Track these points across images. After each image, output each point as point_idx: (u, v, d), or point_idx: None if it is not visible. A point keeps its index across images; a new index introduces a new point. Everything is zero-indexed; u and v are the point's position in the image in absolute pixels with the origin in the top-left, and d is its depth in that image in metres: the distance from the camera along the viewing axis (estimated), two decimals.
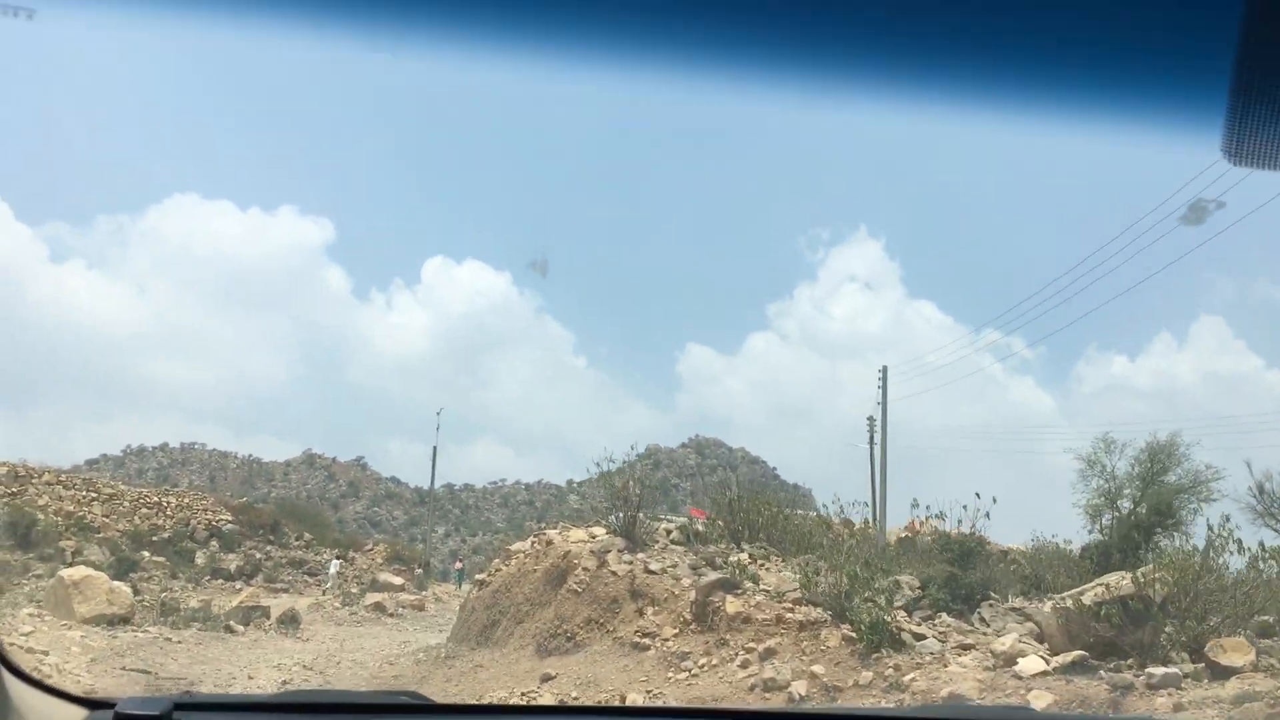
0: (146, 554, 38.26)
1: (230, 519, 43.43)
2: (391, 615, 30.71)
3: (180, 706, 1.96)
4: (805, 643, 14.56)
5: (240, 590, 36.57)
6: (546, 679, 15.01)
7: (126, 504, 41.46)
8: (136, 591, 32.94)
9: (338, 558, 42.89)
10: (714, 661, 14.66)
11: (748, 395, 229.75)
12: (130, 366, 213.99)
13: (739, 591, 16.54)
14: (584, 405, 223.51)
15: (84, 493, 40.49)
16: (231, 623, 21.17)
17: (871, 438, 47.76)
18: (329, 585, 36.22)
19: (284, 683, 15.54)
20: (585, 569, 17.44)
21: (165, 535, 40.56)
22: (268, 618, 26.03)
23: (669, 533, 21.52)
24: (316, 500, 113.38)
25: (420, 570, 42.32)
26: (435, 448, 59.30)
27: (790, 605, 15.86)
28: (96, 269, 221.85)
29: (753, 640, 15.03)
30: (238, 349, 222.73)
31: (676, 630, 15.89)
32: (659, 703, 10.85)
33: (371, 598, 31.96)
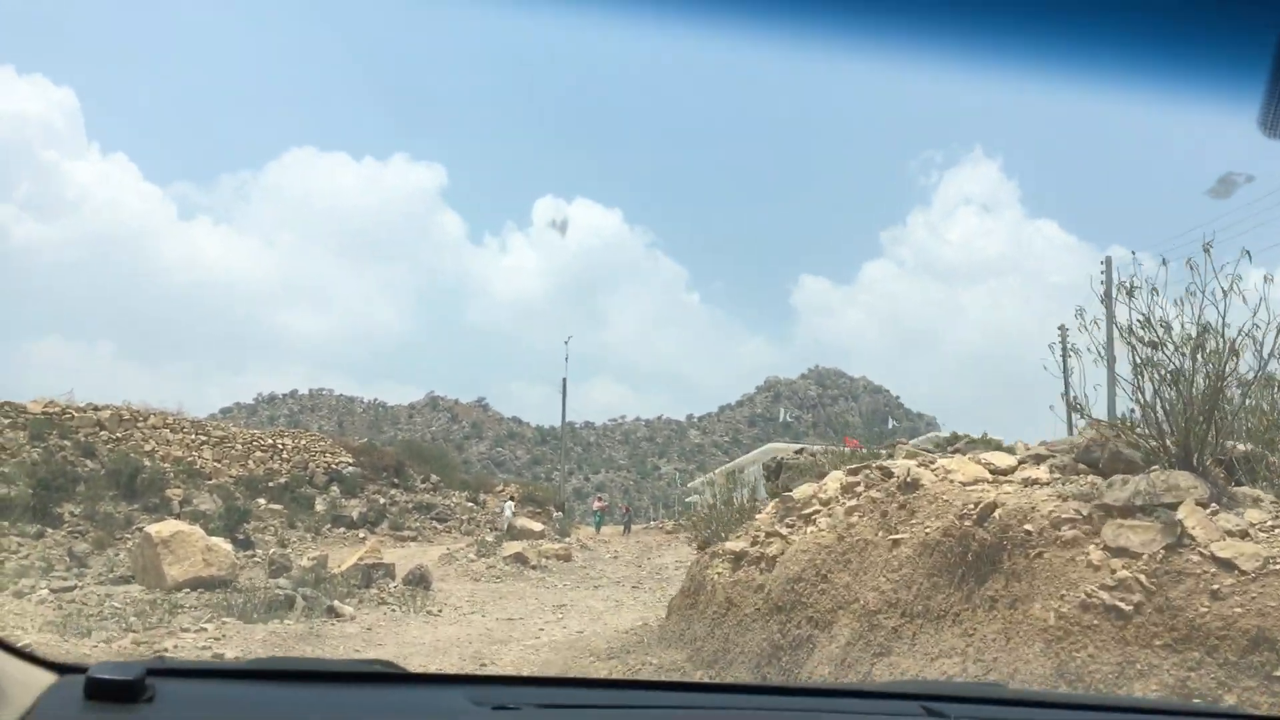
0: (262, 501, 34.68)
1: (351, 461, 39.66)
2: (534, 568, 26.14)
3: (153, 672, 1.81)
4: None
5: (364, 540, 32.76)
6: None
7: (239, 447, 37.94)
8: (249, 544, 29.33)
9: (511, 499, 38.81)
10: None
11: (866, 324, 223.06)
12: (259, 318, 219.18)
13: None
14: (699, 340, 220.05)
15: (193, 436, 37.04)
16: (336, 603, 16.53)
17: (1065, 348, 41.22)
18: (504, 533, 31.85)
19: None
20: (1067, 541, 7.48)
21: (281, 480, 36.97)
22: (391, 578, 21.62)
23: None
24: (441, 442, 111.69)
25: (559, 514, 37.84)
26: (565, 379, 54.67)
27: None
28: (223, 224, 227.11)
29: None
30: (360, 297, 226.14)
31: None
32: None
33: (509, 547, 27.45)
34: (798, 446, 55.69)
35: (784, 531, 11.51)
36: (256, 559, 25.83)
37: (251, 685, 2.03)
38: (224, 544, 21.61)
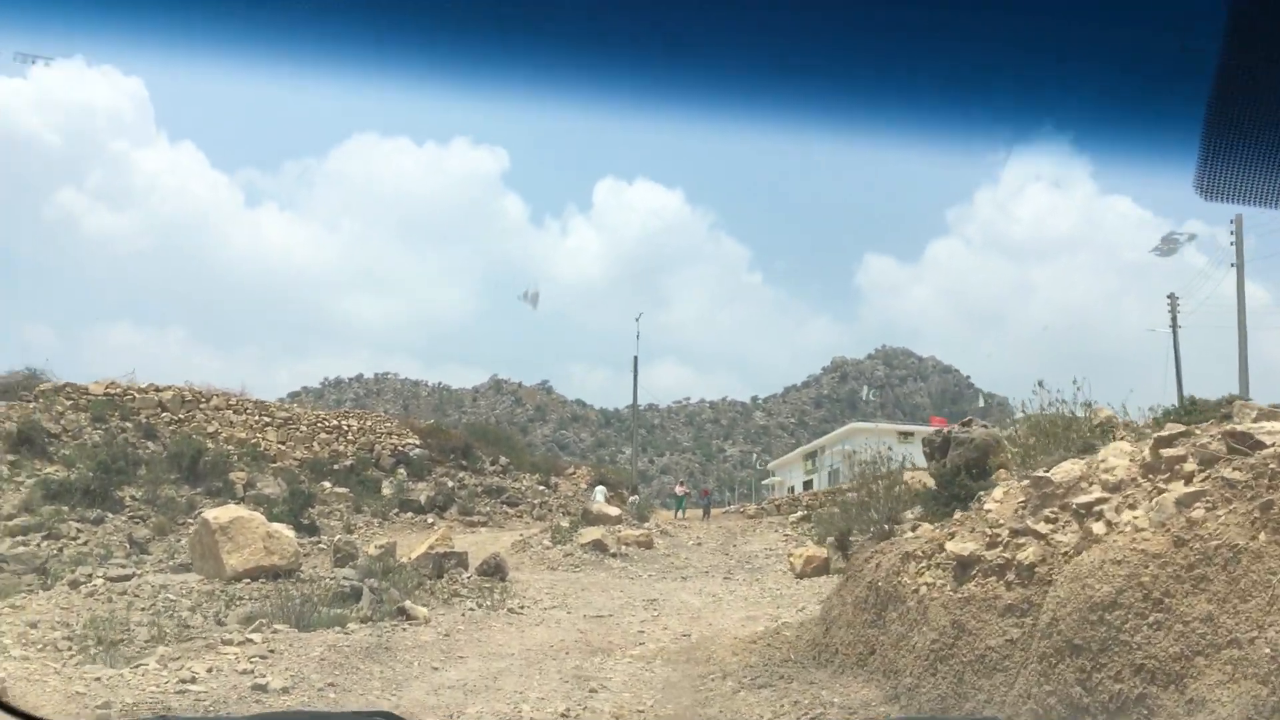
0: (327, 484, 33.42)
1: (418, 443, 38.26)
2: (614, 556, 24.38)
3: None
4: None
5: (432, 525, 31.30)
6: None
7: (303, 429, 36.72)
8: (313, 530, 27.99)
9: (601, 484, 37.37)
10: None
11: (933, 303, 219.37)
12: (324, 303, 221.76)
13: None
14: (762, 321, 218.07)
15: (256, 417, 35.87)
16: (408, 603, 14.63)
17: (1175, 318, 38.62)
18: (580, 518, 30.14)
19: None
20: None
21: (347, 463, 35.70)
22: (464, 567, 19.97)
23: None
24: (505, 424, 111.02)
25: (634, 497, 36.07)
26: (636, 358, 52.56)
27: None
28: (289, 210, 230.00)
29: None
30: (423, 281, 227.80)
31: None
32: None
33: (587, 533, 25.70)
34: (873, 426, 53.92)
35: (1043, 530, 8.30)
36: (321, 546, 24.43)
37: None
38: (286, 530, 20.11)
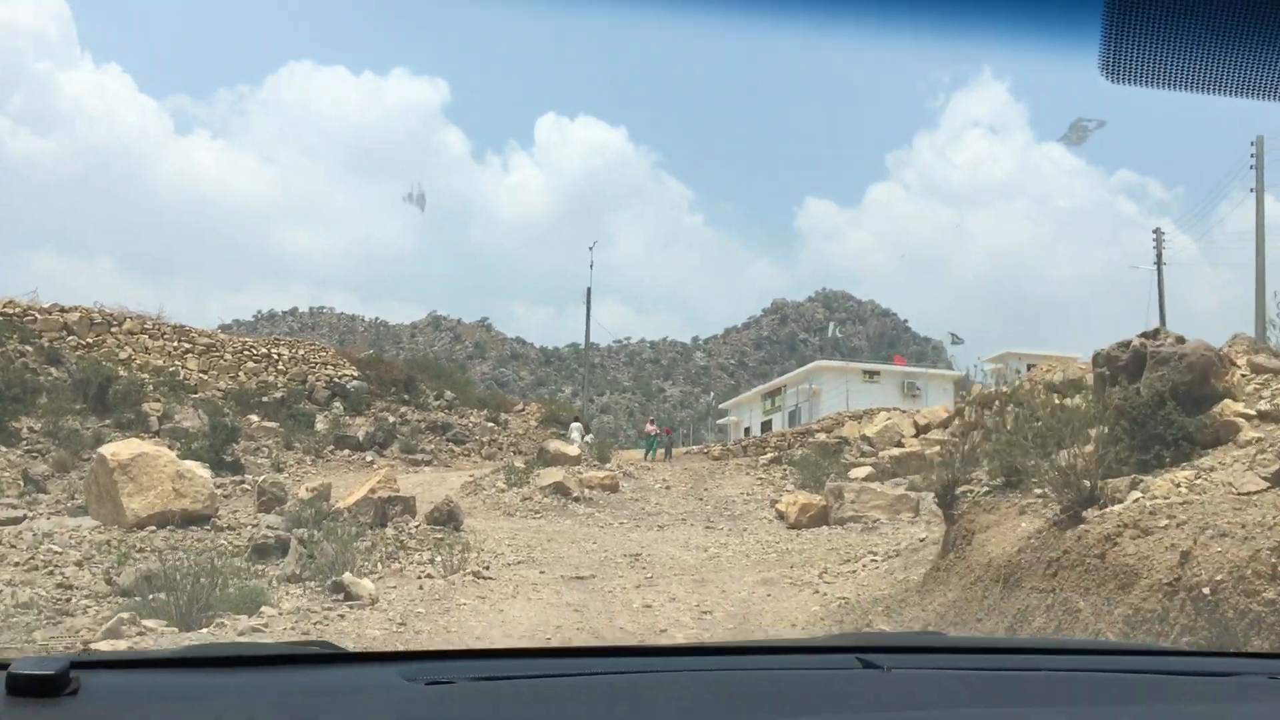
0: (254, 418, 30.28)
1: (356, 375, 35.16)
2: (578, 500, 21.81)
3: (77, 665, 1.78)
4: None
5: (371, 464, 28.46)
6: None
7: (228, 357, 33.41)
8: (238, 468, 25.01)
9: (577, 419, 34.86)
10: None
11: (873, 248, 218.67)
12: (259, 234, 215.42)
13: None
14: (704, 263, 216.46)
15: (175, 344, 32.47)
16: (348, 576, 11.43)
17: (1159, 255, 36.73)
18: (536, 458, 27.41)
19: None
20: None
21: (278, 395, 32.52)
22: (411, 514, 17.26)
23: None
24: (444, 361, 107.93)
25: (590, 435, 33.44)
26: (589, 289, 49.38)
27: None
28: (221, 139, 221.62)
29: None
30: (362, 214, 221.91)
31: None
32: None
33: (547, 474, 23.06)
34: (842, 364, 51.80)
35: None
36: (246, 486, 21.45)
37: (180, 674, 1.97)
38: (200, 470, 17.21)
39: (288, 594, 10.66)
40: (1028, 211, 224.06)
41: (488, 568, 13.20)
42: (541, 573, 13.15)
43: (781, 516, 19.32)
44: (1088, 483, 8.21)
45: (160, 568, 11.26)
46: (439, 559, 13.58)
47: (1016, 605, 7.50)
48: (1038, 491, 9.09)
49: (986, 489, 9.85)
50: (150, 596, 9.68)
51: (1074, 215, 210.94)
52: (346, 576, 10.82)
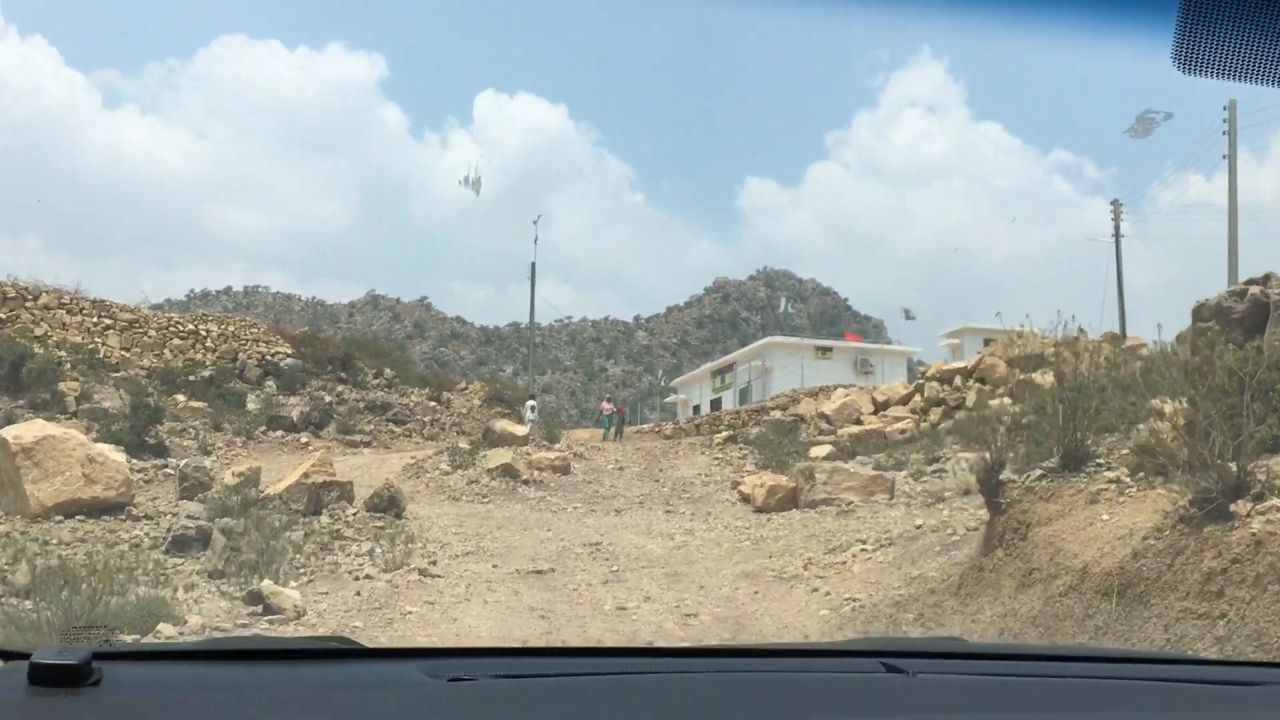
0: (181, 398, 28.57)
1: (289, 352, 33.48)
2: (528, 483, 20.58)
3: (99, 655, 1.75)
4: None
5: (306, 445, 26.95)
6: None
7: (152, 334, 31.55)
8: (162, 451, 23.38)
9: (531, 398, 34.21)
10: None
11: (814, 227, 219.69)
12: (192, 212, 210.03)
13: None
14: (645, 241, 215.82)
15: (95, 319, 30.55)
16: (268, 584, 9.89)
17: (1118, 227, 36.27)
18: (482, 439, 25.90)
19: None
20: None
21: (206, 373, 30.77)
22: (349, 500, 15.92)
23: None
24: (383, 340, 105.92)
25: (535, 414, 32.17)
26: (534, 264, 48.08)
27: None
28: (151, 114, 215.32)
29: None
30: (298, 192, 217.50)
31: None
32: None
33: (494, 456, 21.78)
34: (796, 340, 51.05)
35: None
36: (169, 471, 19.89)
37: (200, 666, 1.97)
38: (115, 454, 15.68)
39: (198, 602, 9.28)
40: (966, 190, 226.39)
41: (434, 562, 11.92)
42: (495, 566, 11.93)
43: (746, 499, 18.28)
44: (1233, 466, 6.75)
45: (59, 565, 9.88)
46: (379, 551, 12.28)
47: (1155, 628, 6.18)
48: (1109, 475, 8.02)
49: (1040, 473, 8.69)
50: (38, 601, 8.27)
51: (1011, 194, 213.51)
52: (266, 585, 9.33)
